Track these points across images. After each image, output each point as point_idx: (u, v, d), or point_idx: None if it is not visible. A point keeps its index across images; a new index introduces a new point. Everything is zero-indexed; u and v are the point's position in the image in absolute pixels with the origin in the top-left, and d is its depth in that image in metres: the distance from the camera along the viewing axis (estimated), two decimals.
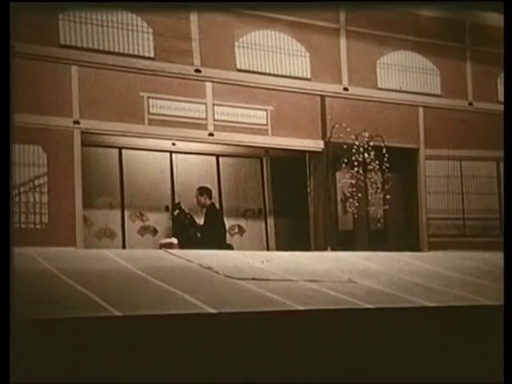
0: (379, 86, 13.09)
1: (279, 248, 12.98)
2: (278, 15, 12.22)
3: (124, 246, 12.20)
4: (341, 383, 5.79)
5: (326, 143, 12.56)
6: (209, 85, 11.70)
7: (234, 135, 11.92)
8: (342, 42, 12.77)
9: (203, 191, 12.22)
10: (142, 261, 8.17)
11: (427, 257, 11.06)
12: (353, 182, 12.59)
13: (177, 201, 12.59)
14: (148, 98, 11.24)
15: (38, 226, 10.27)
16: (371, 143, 12.56)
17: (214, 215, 12.22)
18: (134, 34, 11.14)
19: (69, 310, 5.45)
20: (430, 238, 13.29)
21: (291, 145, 12.47)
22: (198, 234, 12.01)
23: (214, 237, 11.76)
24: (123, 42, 11.07)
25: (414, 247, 12.98)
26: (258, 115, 12.09)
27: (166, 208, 12.72)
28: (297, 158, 12.94)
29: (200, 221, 12.26)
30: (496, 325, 5.88)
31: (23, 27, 9.87)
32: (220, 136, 11.82)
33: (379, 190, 12.83)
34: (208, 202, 12.19)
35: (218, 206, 12.84)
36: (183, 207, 12.38)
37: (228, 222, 12.84)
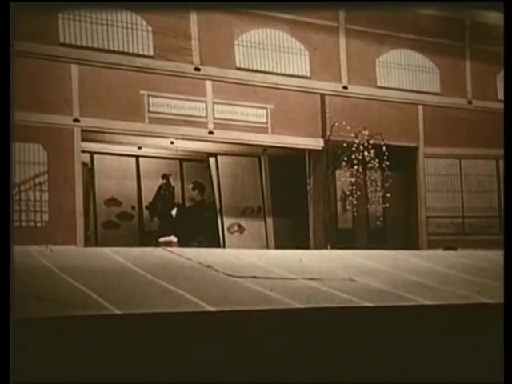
0: (378, 84, 13.10)
1: (279, 246, 12.99)
2: (277, 14, 12.22)
3: None
4: (341, 383, 5.80)
5: (325, 141, 12.57)
6: (209, 83, 11.70)
7: (233, 133, 11.93)
8: (342, 40, 12.77)
9: (196, 186, 12.27)
10: (142, 259, 8.18)
11: (426, 255, 11.06)
12: (352, 180, 12.59)
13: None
14: (148, 96, 11.24)
15: (38, 224, 10.27)
16: (371, 141, 12.56)
17: (196, 209, 12.18)
18: (133, 33, 11.14)
19: (68, 308, 5.46)
20: (429, 236, 13.30)
21: (291, 143, 12.47)
22: (173, 212, 12.11)
23: (187, 226, 11.66)
24: (123, 40, 11.07)
25: (414, 245, 12.99)
26: (257, 113, 12.09)
27: (133, 207, 13.04)
28: (297, 156, 12.94)
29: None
30: (496, 323, 5.89)
31: (23, 26, 9.86)
32: (220, 134, 11.82)
33: (379, 188, 12.83)
34: (198, 197, 12.19)
35: (218, 204, 12.92)
36: (171, 180, 12.68)
37: (227, 221, 12.87)
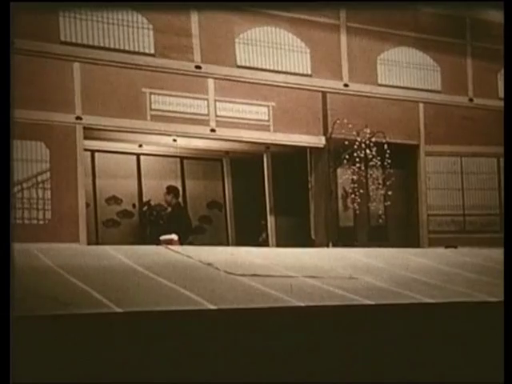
0: (380, 82, 13.11)
1: (280, 244, 13.00)
2: (278, 12, 12.23)
3: None
4: (340, 382, 5.80)
5: (327, 139, 12.58)
6: (211, 81, 11.72)
7: (235, 131, 11.94)
8: (343, 38, 12.78)
9: (170, 190, 12.33)
10: (143, 257, 8.17)
11: (427, 253, 11.06)
12: (354, 178, 12.60)
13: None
14: (150, 94, 11.26)
15: (40, 222, 10.29)
16: (373, 139, 12.57)
17: (178, 214, 12.24)
18: (134, 31, 11.16)
19: (69, 306, 5.46)
20: (430, 234, 13.31)
21: (293, 141, 12.49)
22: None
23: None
24: (124, 38, 11.09)
25: (415, 243, 13.00)
26: (259, 111, 12.10)
27: (133, 205, 13.06)
28: (298, 154, 12.95)
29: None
30: (496, 321, 5.89)
31: (24, 24, 9.87)
32: (222, 132, 11.84)
33: (380, 186, 12.83)
34: (174, 200, 12.26)
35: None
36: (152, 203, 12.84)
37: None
